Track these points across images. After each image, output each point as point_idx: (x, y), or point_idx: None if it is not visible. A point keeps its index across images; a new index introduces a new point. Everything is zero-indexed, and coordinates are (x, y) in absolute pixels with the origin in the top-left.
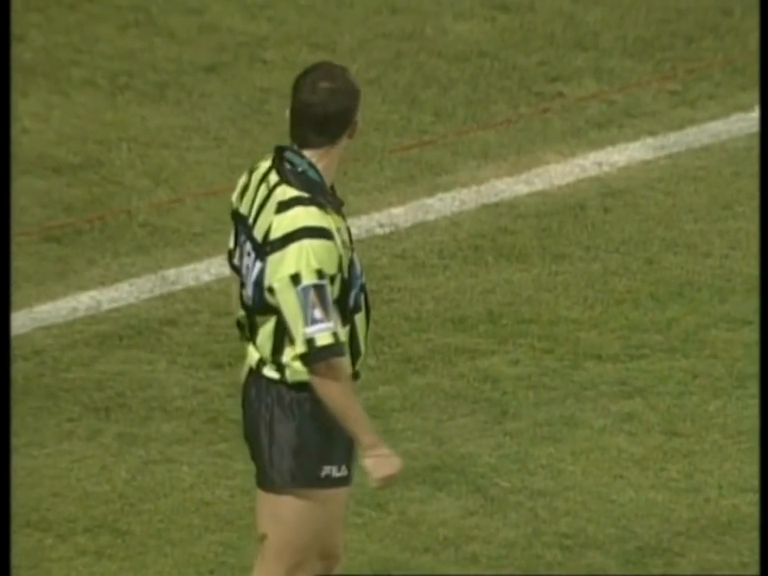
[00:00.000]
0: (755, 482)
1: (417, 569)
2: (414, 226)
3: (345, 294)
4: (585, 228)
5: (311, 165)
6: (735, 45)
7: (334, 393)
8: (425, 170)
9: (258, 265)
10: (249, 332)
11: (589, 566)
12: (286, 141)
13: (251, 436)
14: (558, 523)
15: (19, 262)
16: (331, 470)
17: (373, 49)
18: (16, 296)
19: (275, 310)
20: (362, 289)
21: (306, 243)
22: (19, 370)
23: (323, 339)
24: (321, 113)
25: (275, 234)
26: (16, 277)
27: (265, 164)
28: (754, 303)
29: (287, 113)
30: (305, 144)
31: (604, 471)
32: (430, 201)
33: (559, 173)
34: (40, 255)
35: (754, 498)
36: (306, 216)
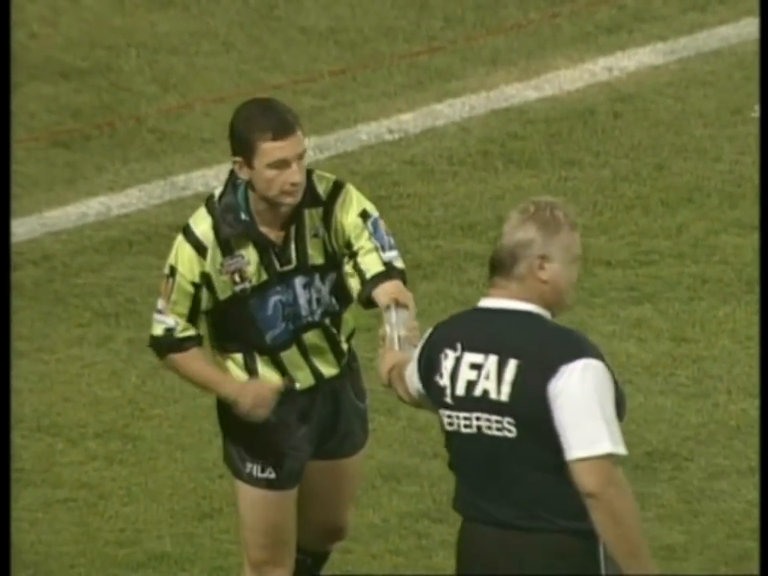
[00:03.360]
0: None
1: (426, 474)
2: (424, 132)
3: (224, 313)
4: (594, 133)
5: (245, 188)
6: None
7: (184, 375)
8: (434, 76)
9: None
10: None
11: None
12: (294, 46)
13: None
14: None
15: (28, 168)
16: (253, 468)
17: None
18: (25, 201)
19: None
20: (309, 326)
21: (179, 239)
22: (29, 275)
23: (156, 329)
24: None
25: None
26: (25, 182)
27: None
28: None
29: None
30: None
31: None
32: (439, 107)
33: (569, 78)
34: (49, 161)
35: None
36: (196, 216)
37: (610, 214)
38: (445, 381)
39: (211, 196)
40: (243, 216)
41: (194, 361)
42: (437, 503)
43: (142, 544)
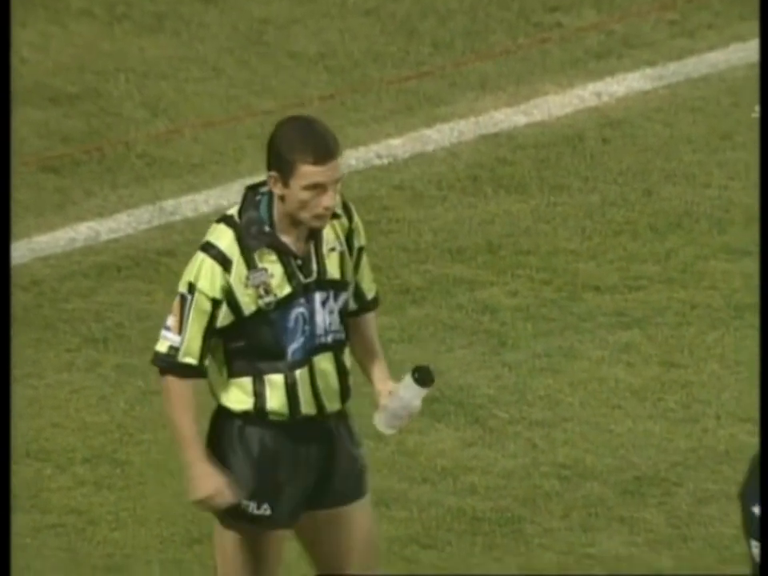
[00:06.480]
0: (753, 413)
1: (415, 499)
2: (413, 157)
3: (240, 331)
4: (583, 159)
5: (269, 198)
6: None
7: (167, 405)
8: (423, 101)
9: None
10: None
11: (587, 495)
12: (284, 72)
13: None
14: (556, 453)
15: (18, 193)
16: (249, 505)
17: None
18: (15, 227)
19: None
20: (321, 348)
21: (199, 255)
22: (18, 301)
23: (160, 346)
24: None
25: None
26: (15, 207)
27: None
28: (752, 234)
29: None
30: None
31: (602, 402)
32: (428, 132)
33: (558, 104)
34: (38, 186)
35: (752, 428)
36: (214, 232)
37: (599, 240)
38: None
39: (228, 215)
40: (267, 228)
41: (182, 400)
42: (426, 528)
43: (130, 570)
